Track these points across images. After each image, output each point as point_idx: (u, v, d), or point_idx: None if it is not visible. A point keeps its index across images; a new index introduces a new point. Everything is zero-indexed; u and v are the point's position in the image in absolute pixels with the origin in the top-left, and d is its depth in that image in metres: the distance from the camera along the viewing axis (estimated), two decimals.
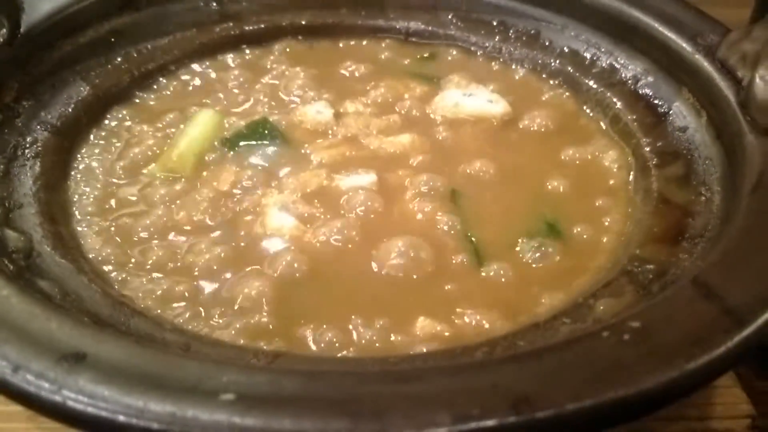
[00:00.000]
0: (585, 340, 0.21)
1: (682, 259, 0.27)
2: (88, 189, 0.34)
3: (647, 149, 0.35)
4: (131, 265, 0.30)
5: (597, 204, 0.33)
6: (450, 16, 0.45)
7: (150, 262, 0.30)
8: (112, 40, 0.40)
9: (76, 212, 0.32)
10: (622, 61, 0.39)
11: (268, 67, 0.43)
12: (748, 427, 0.31)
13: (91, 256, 0.30)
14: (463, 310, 0.28)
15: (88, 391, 0.19)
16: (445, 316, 0.28)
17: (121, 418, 0.18)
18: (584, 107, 0.39)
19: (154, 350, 0.22)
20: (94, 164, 0.35)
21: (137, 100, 0.39)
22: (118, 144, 0.36)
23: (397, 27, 0.45)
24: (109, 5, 0.40)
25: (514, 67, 0.42)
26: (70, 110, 0.36)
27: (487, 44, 0.44)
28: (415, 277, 0.30)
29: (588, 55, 0.40)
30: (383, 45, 0.45)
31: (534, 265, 0.30)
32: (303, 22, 0.45)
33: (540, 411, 0.18)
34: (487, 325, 0.27)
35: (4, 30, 0.36)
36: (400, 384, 0.19)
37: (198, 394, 0.19)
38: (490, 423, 0.18)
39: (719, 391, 0.33)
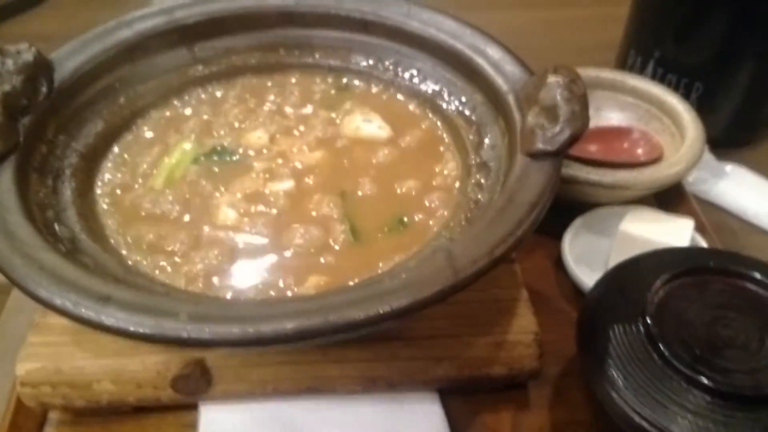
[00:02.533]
0: (374, 283, 0.39)
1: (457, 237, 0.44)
2: (106, 196, 0.50)
3: (472, 162, 0.51)
4: (135, 246, 0.47)
5: (435, 203, 0.50)
6: (360, 56, 0.61)
7: (145, 244, 0.47)
8: (117, 85, 0.55)
9: (99, 212, 0.49)
10: (467, 95, 0.54)
11: (225, 101, 0.59)
12: (533, 340, 0.49)
13: (110, 240, 0.47)
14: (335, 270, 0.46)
15: (114, 315, 0.37)
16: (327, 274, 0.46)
17: (131, 328, 0.36)
18: (441, 129, 0.56)
19: (148, 294, 0.40)
20: (108, 179, 0.51)
21: (136, 130, 0.55)
22: (124, 164, 0.53)
23: (322, 64, 0.61)
24: (114, 61, 0.54)
25: (399, 97, 0.59)
26: (91, 140, 0.52)
27: (384, 78, 0.60)
28: (311, 250, 0.48)
29: (447, 89, 0.56)
30: (311, 79, 0.61)
31: (385, 243, 0.47)
32: (253, 62, 0.61)
33: (337, 320, 0.36)
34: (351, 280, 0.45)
35: (44, 87, 0.52)
36: (270, 308, 0.37)
37: (169, 315, 0.37)
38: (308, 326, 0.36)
39: (517, 318, 0.49)
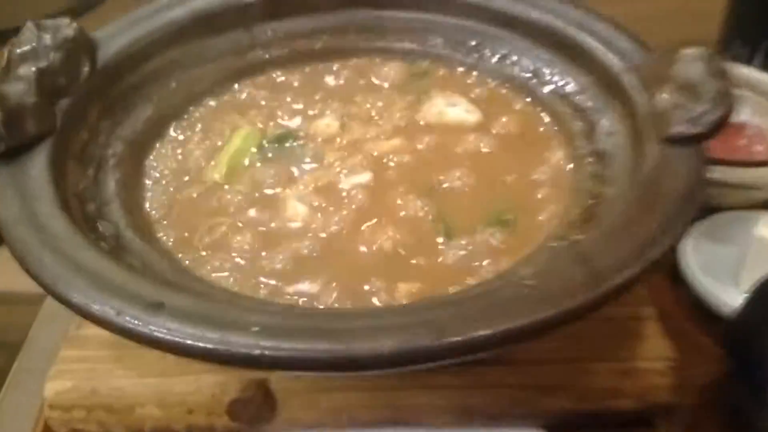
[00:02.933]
0: (493, 292, 0.30)
1: (586, 237, 0.36)
2: (155, 189, 0.44)
3: (584, 150, 0.44)
4: (189, 244, 0.40)
5: (541, 196, 0.42)
6: (438, 39, 0.54)
7: (202, 242, 0.40)
8: (168, 68, 0.49)
9: (148, 205, 0.42)
10: (570, 77, 0.47)
11: (289, 86, 0.52)
12: (668, 367, 0.41)
13: (160, 238, 0.40)
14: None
15: (166, 326, 0.29)
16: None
17: (189, 341, 0.29)
18: (542, 115, 0.48)
19: (207, 301, 0.33)
20: (159, 169, 0.45)
21: (190, 117, 0.49)
22: (177, 153, 0.46)
23: (395, 48, 0.54)
24: (163, 42, 0.49)
25: (488, 80, 0.51)
26: (139, 127, 0.46)
27: (468, 61, 0.52)
28: (399, 251, 0.40)
29: (546, 71, 0.48)
30: (383, 63, 0.54)
31: (485, 245, 0.40)
32: (318, 46, 0.54)
33: (453, 337, 0.28)
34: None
35: (86, 67, 0.46)
36: (363, 319, 0.29)
37: (235, 327, 0.29)
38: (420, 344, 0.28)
39: (645, 341, 0.43)
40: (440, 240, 0.40)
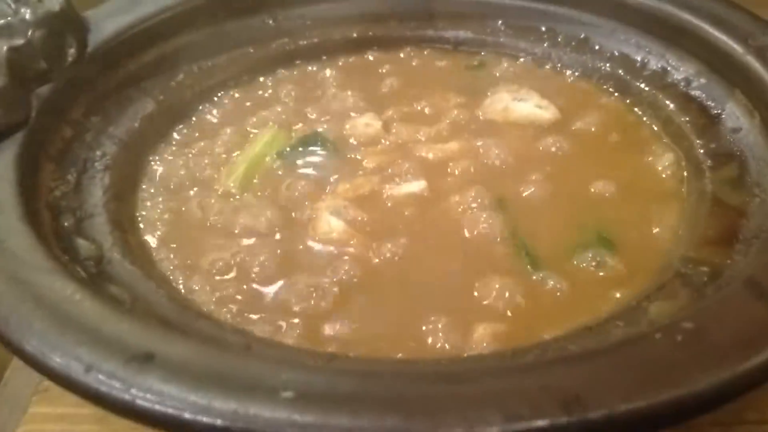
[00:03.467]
0: (637, 342, 0.21)
1: (736, 261, 0.26)
2: (154, 200, 0.35)
3: (701, 151, 0.35)
4: (195, 271, 0.31)
5: (650, 209, 0.33)
6: (499, 23, 0.45)
7: (213, 268, 0.31)
8: (174, 58, 0.42)
9: (143, 222, 0.34)
10: (672, 63, 0.39)
11: (321, 80, 0.44)
12: None
13: (157, 261, 0.31)
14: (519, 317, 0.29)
15: (157, 390, 0.20)
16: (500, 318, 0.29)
17: (187, 415, 0.19)
18: (636, 110, 0.39)
19: (217, 350, 0.23)
20: (160, 176, 0.37)
21: (199, 116, 0.41)
22: (182, 158, 0.38)
23: (446, 36, 0.46)
24: (169, 25, 0.41)
25: (563, 72, 0.43)
26: (136, 125, 0.38)
27: (536, 50, 0.44)
28: (469, 282, 0.30)
29: (638, 58, 0.40)
30: (433, 55, 0.46)
31: (586, 273, 0.30)
32: (354, 35, 0.46)
33: (591, 411, 0.18)
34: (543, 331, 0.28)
35: (73, 49, 0.38)
36: (452, 384, 0.19)
37: (259, 391, 0.20)
38: (540, 423, 0.18)
39: None
40: (523, 267, 0.30)
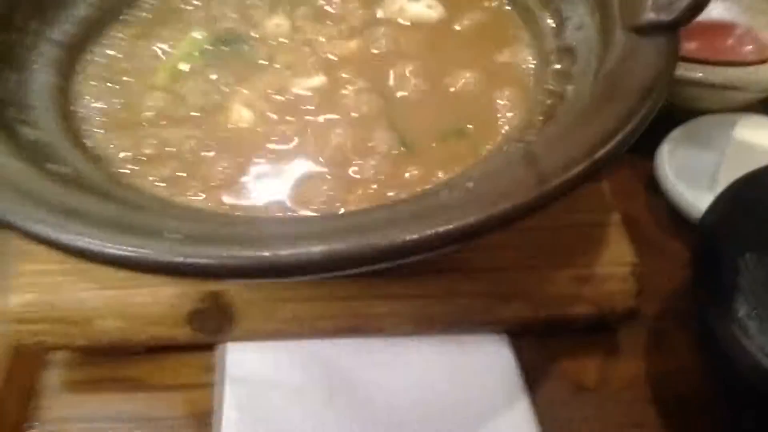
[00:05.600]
0: (430, 195, 0.28)
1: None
2: (90, 94, 0.41)
3: (552, 47, 0.41)
4: (128, 151, 0.38)
5: (503, 99, 0.40)
6: None
7: (140, 152, 0.38)
8: None
9: (82, 112, 0.40)
10: None
11: None
12: (630, 273, 0.39)
13: (95, 145, 0.38)
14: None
15: (78, 231, 0.27)
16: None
17: (103, 249, 0.27)
18: (510, 10, 0.45)
19: (135, 210, 0.31)
20: (96, 73, 0.42)
21: (130, 19, 0.46)
22: (116, 57, 0.43)
23: None
24: None
25: None
26: (74, 28, 0.43)
27: None
28: (350, 161, 0.37)
29: None
30: None
31: (444, 152, 0.37)
32: None
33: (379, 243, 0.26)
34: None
35: None
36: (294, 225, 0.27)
37: (157, 234, 0.27)
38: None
39: (608, 247, 0.41)
40: (395, 151, 0.38)
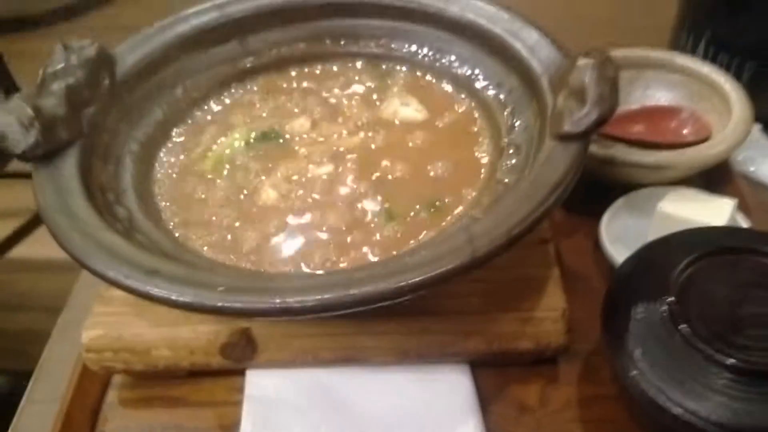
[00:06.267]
0: (396, 259, 0.41)
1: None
2: (162, 180, 0.54)
3: (504, 141, 0.53)
4: (188, 225, 0.51)
5: (467, 184, 0.52)
6: (402, 43, 0.64)
7: (194, 223, 0.51)
8: (174, 77, 0.59)
9: (157, 194, 0.53)
10: (501, 79, 0.56)
11: (277, 89, 0.62)
12: (560, 316, 0.49)
13: (164, 219, 0.51)
14: (368, 248, 0.49)
15: (158, 285, 0.41)
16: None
17: (173, 297, 0.40)
18: (476, 113, 0.57)
19: (192, 269, 0.44)
20: (166, 164, 0.56)
21: (193, 118, 0.60)
22: (180, 150, 0.57)
23: (365, 52, 0.64)
24: (171, 55, 0.58)
25: (438, 82, 0.61)
26: (150, 129, 0.55)
27: (424, 64, 0.62)
28: (347, 229, 0.51)
29: (483, 74, 0.58)
30: (356, 66, 0.64)
31: (418, 223, 0.50)
32: (300, 52, 0.64)
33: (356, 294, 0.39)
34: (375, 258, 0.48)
35: (107, 80, 0.56)
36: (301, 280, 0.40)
37: (208, 287, 0.41)
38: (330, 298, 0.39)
39: (546, 296, 0.50)
40: (382, 223, 0.51)
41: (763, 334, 0.43)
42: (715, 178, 0.65)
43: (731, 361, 0.41)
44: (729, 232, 0.52)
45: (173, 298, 0.40)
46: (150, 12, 0.62)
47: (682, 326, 0.43)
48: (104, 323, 0.50)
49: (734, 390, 0.41)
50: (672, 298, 0.45)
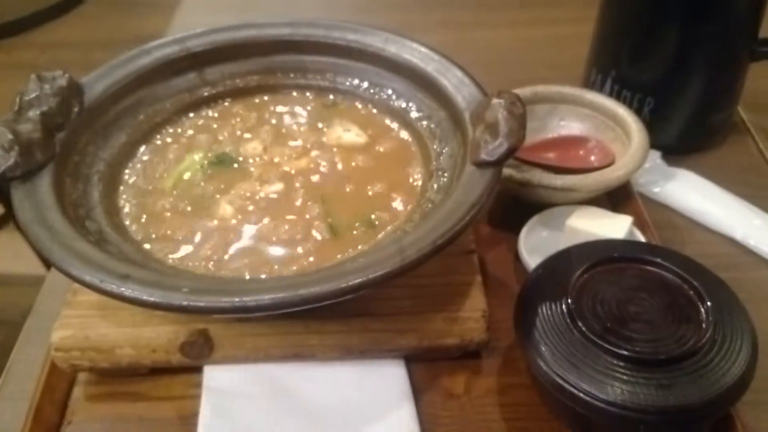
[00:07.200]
0: (337, 266, 0.49)
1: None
2: (127, 197, 0.60)
3: (433, 168, 0.61)
4: (151, 236, 0.57)
5: (400, 202, 0.59)
6: (346, 78, 0.71)
7: (159, 235, 0.57)
8: (137, 104, 0.64)
9: (121, 209, 0.58)
10: (431, 111, 0.63)
11: (232, 116, 0.69)
12: (481, 316, 0.56)
13: (130, 232, 0.57)
14: (314, 257, 0.56)
15: (130, 288, 0.47)
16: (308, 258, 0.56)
17: (144, 297, 0.46)
18: (410, 139, 0.66)
19: (159, 274, 0.50)
20: (130, 182, 0.61)
21: (154, 141, 0.65)
22: (143, 170, 0.62)
23: (312, 84, 0.72)
24: (135, 84, 0.64)
25: (377, 112, 0.69)
26: (115, 151, 0.60)
27: (365, 97, 0.70)
28: (296, 242, 0.57)
29: (416, 107, 0.66)
30: (304, 96, 0.71)
31: (357, 237, 0.57)
32: (254, 84, 0.71)
33: (303, 294, 0.46)
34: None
35: (76, 108, 0.62)
36: (255, 284, 0.47)
37: (174, 289, 0.47)
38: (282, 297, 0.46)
39: (470, 299, 0.56)
40: (326, 237, 0.57)
41: (645, 328, 0.51)
42: (618, 198, 0.74)
43: (619, 351, 0.49)
44: (622, 244, 0.61)
45: (144, 298, 0.46)
46: (97, 30, 0.68)
47: (579, 323, 0.51)
48: (72, 324, 0.53)
49: (622, 374, 0.49)
50: (570, 300, 0.53)
